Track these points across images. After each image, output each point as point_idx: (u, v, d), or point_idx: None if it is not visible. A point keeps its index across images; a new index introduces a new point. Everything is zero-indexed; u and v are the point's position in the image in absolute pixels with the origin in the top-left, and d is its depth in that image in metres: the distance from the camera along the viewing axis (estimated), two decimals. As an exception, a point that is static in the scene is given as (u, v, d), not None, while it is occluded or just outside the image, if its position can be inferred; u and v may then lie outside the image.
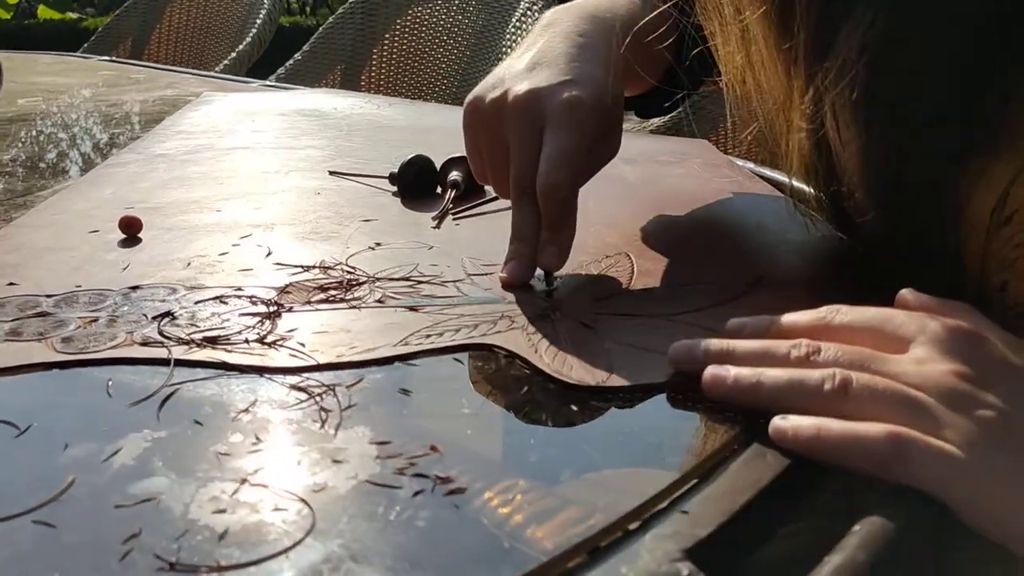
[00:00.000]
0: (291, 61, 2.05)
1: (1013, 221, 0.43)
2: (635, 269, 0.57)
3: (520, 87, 0.57)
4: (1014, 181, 0.42)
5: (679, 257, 0.59)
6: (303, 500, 0.33)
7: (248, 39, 2.21)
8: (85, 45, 2.40)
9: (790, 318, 0.44)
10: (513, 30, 1.75)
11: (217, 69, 2.12)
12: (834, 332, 0.41)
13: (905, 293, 0.44)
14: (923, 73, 0.45)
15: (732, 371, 0.40)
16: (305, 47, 2.06)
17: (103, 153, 1.01)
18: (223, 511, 0.32)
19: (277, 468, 0.35)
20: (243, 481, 0.34)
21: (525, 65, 0.59)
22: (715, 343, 0.42)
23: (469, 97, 0.60)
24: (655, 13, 0.63)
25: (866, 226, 0.51)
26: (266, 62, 2.17)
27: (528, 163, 0.55)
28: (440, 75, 1.90)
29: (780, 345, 0.41)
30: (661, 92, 0.70)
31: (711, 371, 0.40)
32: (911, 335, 0.39)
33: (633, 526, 0.32)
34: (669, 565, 0.30)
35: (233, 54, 2.18)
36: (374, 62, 2.03)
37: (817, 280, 0.55)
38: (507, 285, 0.54)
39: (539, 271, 0.55)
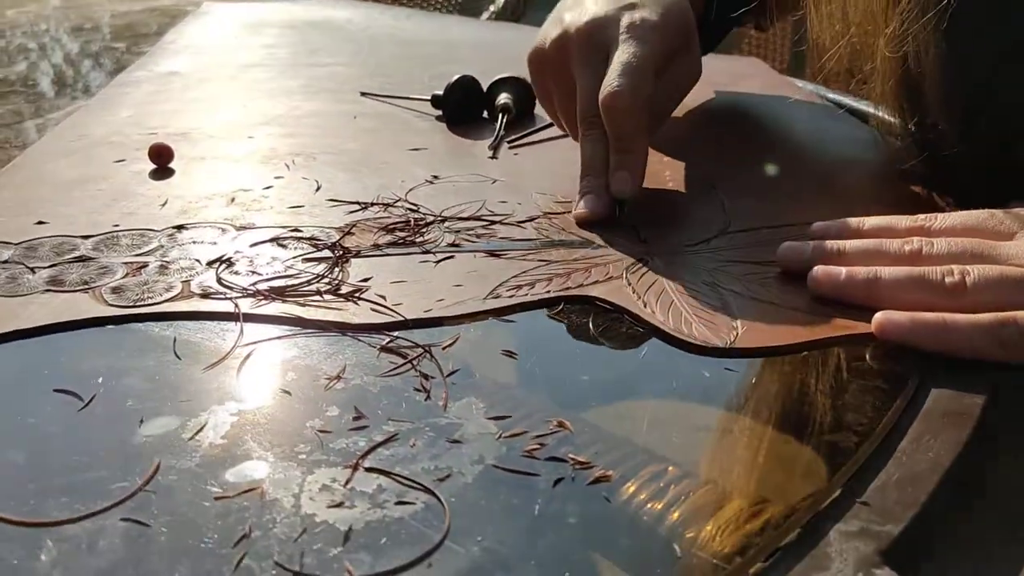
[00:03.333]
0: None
1: None
2: (725, 205, 0.52)
3: (583, 19, 0.54)
4: None
5: (767, 192, 0.54)
6: (429, 490, 0.29)
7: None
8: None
9: (883, 221, 0.44)
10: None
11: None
12: (936, 236, 0.41)
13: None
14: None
15: (843, 269, 0.40)
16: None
17: (106, 70, 0.94)
18: (340, 504, 0.28)
19: (389, 450, 0.31)
20: (355, 467, 0.30)
21: (584, 1, 0.56)
22: (824, 243, 0.43)
23: (531, 46, 0.58)
24: None
25: (951, 155, 0.49)
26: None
27: (593, 91, 0.51)
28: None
29: (891, 241, 0.41)
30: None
31: (822, 268, 0.41)
32: (1015, 228, 0.40)
33: (805, 520, 0.28)
34: (868, 573, 0.26)
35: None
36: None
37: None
38: (582, 222, 0.50)
39: None
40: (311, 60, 0.92)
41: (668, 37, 0.53)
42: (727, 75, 0.84)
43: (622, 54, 0.51)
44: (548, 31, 0.57)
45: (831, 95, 0.77)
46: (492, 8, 1.60)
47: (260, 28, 1.08)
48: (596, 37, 0.53)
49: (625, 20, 0.53)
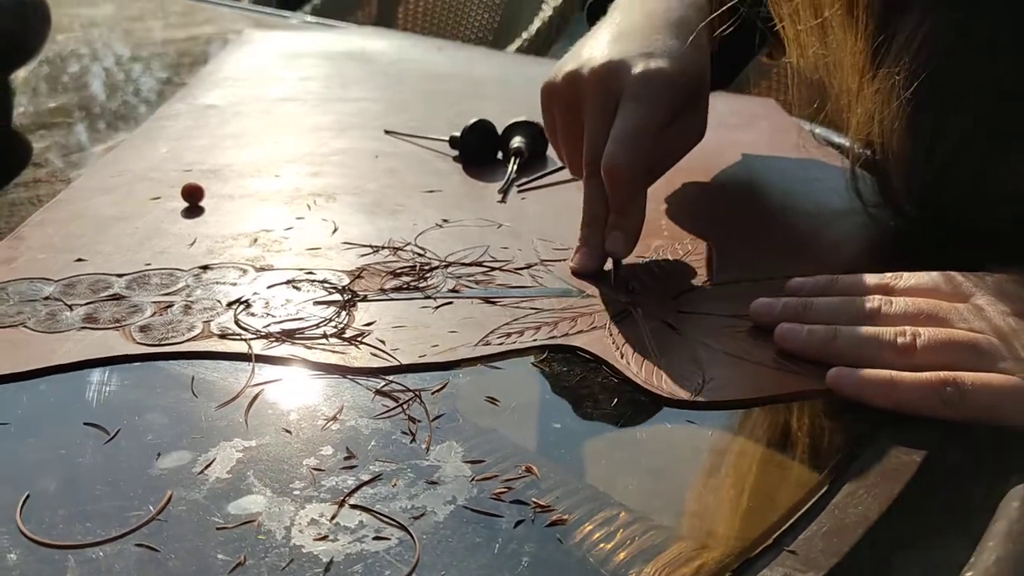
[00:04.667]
0: (325, -9, 2.00)
1: None
2: (714, 258, 0.55)
3: (597, 60, 0.55)
4: None
5: (760, 244, 0.57)
6: (404, 527, 0.33)
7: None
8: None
9: (853, 279, 0.47)
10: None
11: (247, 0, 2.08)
12: (898, 295, 0.45)
13: None
14: (968, 90, 0.47)
15: (806, 326, 0.44)
16: (341, -24, 2.01)
17: (149, 101, 0.99)
18: (325, 537, 0.32)
19: (372, 488, 0.35)
20: (341, 503, 0.34)
21: (603, 39, 0.57)
22: (792, 299, 0.47)
23: (545, 78, 0.58)
24: None
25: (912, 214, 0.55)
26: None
27: (600, 141, 0.53)
28: (481, 8, 1.85)
29: (853, 300, 0.45)
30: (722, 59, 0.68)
31: (787, 324, 0.44)
32: (971, 291, 0.43)
33: (736, 565, 0.32)
34: (784, 616, 0.29)
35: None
36: (413, -7, 1.98)
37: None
38: (576, 274, 0.53)
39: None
40: (342, 94, 0.96)
41: (679, 92, 0.54)
42: (739, 115, 0.87)
43: (627, 117, 0.52)
44: (564, 64, 0.57)
45: (836, 139, 0.80)
46: (525, 36, 1.64)
47: (296, 59, 1.13)
48: (607, 83, 0.53)
49: (639, 68, 0.52)
